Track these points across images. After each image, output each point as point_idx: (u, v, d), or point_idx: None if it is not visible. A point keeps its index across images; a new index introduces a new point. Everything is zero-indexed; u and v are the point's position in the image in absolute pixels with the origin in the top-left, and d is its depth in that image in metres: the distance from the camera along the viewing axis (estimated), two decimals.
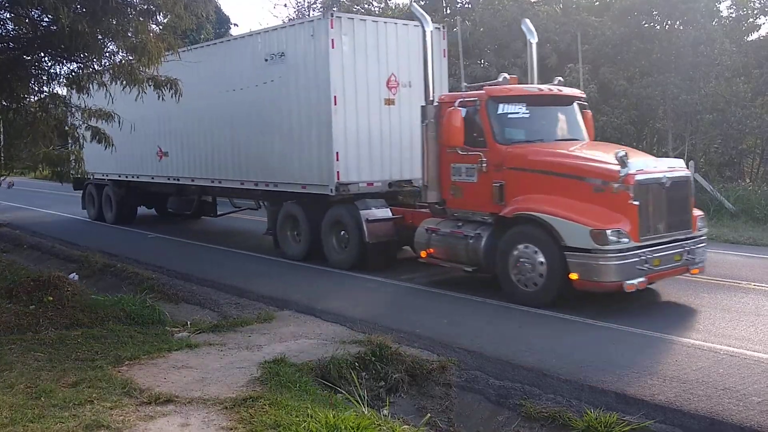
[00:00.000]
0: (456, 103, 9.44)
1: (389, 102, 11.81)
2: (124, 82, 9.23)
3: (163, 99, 9.80)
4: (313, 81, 11.47)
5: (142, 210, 19.15)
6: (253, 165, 13.16)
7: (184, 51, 14.99)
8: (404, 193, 12.21)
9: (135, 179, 17.46)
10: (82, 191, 19.80)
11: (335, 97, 11.15)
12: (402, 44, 11.92)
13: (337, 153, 11.24)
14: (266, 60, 12.52)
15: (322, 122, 11.36)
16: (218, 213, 16.96)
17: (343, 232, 11.53)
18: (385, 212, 11.30)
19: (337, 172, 11.25)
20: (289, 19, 29.44)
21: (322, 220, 11.80)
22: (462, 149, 9.43)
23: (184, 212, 17.50)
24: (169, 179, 16.00)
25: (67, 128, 10.10)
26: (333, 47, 11.11)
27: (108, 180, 18.29)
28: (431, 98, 10.21)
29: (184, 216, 17.93)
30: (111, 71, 9.35)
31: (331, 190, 11.32)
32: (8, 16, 9.32)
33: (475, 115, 9.45)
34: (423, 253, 10.20)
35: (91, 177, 18.52)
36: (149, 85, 9.59)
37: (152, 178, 16.70)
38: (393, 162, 11.89)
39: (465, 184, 9.66)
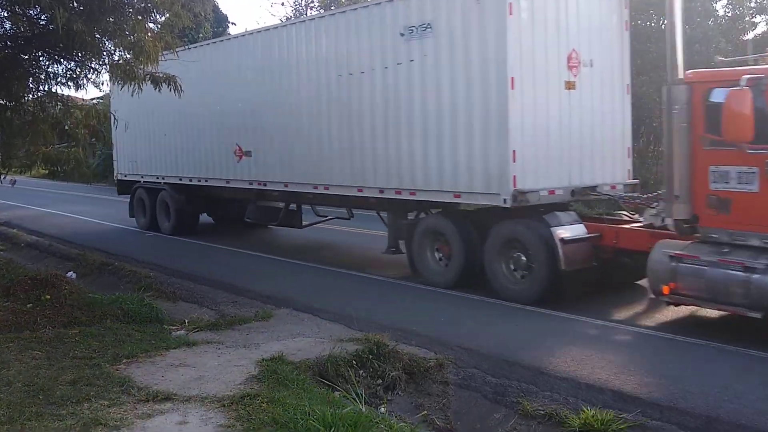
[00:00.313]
0: (742, 82, 6.82)
1: (570, 85, 9.37)
2: (121, 81, 9.20)
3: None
4: (478, 59, 9.05)
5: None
6: (378, 167, 10.59)
7: (276, 28, 13.18)
8: (573, 204, 9.84)
9: (202, 183, 14.80)
10: (130, 197, 17.14)
11: (513, 79, 8.76)
12: (583, 13, 9.54)
13: (513, 152, 8.79)
14: (403, 34, 9.93)
15: (492, 112, 8.94)
16: (303, 223, 14.06)
17: (518, 255, 8.90)
18: (580, 229, 8.81)
19: (514, 176, 8.79)
20: (287, 18, 29.19)
21: (485, 239, 9.29)
22: (751, 147, 6.90)
23: (268, 223, 14.68)
24: (251, 184, 13.37)
25: (67, 128, 10.08)
26: (510, 14, 8.72)
27: (165, 184, 15.76)
28: (678, 76, 7.72)
29: (268, 227, 15.42)
30: (108, 69, 9.33)
31: (505, 200, 8.81)
32: (5, 14, 9.31)
33: (758, 99, 6.88)
34: (665, 289, 7.44)
35: (141, 180, 16.67)
36: (146, 82, 9.57)
37: (227, 183, 14.06)
38: (573, 163, 9.43)
39: (736, 194, 7.10)
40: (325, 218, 13.65)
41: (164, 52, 9.15)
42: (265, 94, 12.95)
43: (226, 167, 13.98)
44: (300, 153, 12.15)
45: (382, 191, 10.63)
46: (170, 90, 9.54)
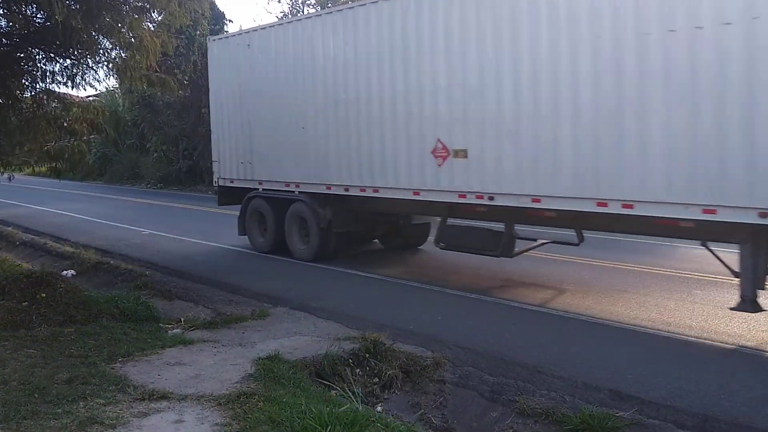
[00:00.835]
0: None
1: None
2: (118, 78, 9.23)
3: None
4: None
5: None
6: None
7: None
8: None
9: (368, 194, 10.79)
10: (240, 209, 13.23)
11: None
12: None
13: None
14: None
15: None
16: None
17: None
18: None
19: None
20: (284, 15, 29.08)
21: None
22: None
23: (480, 251, 10.02)
24: (463, 197, 9.39)
25: (65, 124, 10.07)
26: None
27: (300, 194, 11.94)
28: None
29: (488, 256, 10.07)
30: (104, 66, 9.35)
31: None
32: (1, 12, 9.30)
33: None
34: None
35: (260, 188, 12.84)
36: (143, 83, 9.61)
37: (415, 194, 10.02)
38: None
39: None
40: (536, 243, 10.09)
41: (161, 50, 9.15)
42: (497, 68, 8.84)
43: (417, 172, 9.96)
44: (575, 152, 8.16)
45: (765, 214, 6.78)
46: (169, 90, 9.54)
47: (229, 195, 13.74)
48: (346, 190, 11.12)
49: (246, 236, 13.18)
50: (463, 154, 9.34)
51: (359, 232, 12.30)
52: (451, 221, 10.27)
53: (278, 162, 12.30)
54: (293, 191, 12.04)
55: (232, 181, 13.54)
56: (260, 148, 12.68)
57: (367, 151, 10.67)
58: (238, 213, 13.31)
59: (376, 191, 10.63)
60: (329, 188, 11.39)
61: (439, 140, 9.62)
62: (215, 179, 14.05)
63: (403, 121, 10.10)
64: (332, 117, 11.20)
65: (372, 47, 10.46)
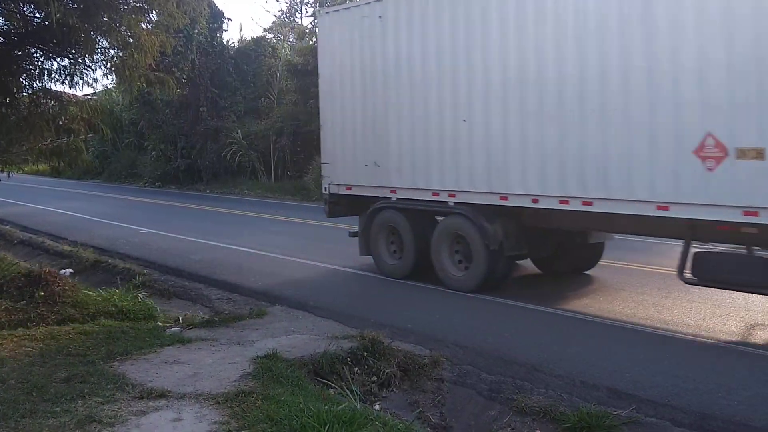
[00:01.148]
0: None
1: None
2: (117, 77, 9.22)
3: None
4: None
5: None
6: None
7: None
8: None
9: (575, 208, 8.15)
10: (361, 223, 10.89)
11: None
12: None
13: None
14: None
15: None
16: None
17: None
18: None
19: None
20: (282, 14, 29.08)
21: None
22: None
23: (747, 287, 7.46)
24: (757, 213, 6.77)
25: (61, 122, 10.06)
26: None
27: (457, 204, 9.38)
28: None
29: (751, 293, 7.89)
30: (102, 66, 9.35)
31: None
32: None
33: None
34: None
35: (393, 196, 10.22)
36: (142, 84, 9.60)
37: (663, 209, 7.43)
38: None
39: None
40: None
41: (159, 49, 9.15)
42: None
43: (665, 179, 7.37)
44: None
45: None
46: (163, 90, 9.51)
47: (344, 205, 11.13)
48: (535, 201, 8.52)
49: (371, 255, 10.69)
50: (755, 154, 6.83)
51: (531, 254, 9.93)
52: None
53: (423, 164, 9.70)
54: (446, 201, 9.50)
55: (349, 188, 10.90)
56: (395, 146, 10.08)
57: (574, 150, 8.05)
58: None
59: (588, 204, 8.01)
60: (505, 198, 8.81)
61: (710, 135, 7.04)
62: (325, 186, 11.28)
63: (642, 108, 7.47)
64: (515, 106, 8.55)
65: (588, 7, 7.85)
